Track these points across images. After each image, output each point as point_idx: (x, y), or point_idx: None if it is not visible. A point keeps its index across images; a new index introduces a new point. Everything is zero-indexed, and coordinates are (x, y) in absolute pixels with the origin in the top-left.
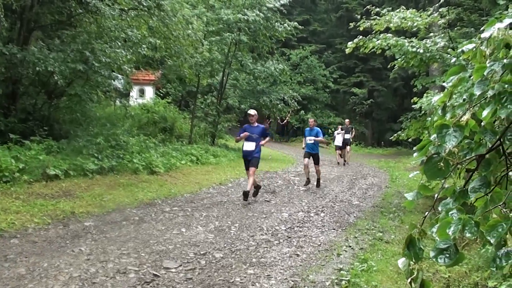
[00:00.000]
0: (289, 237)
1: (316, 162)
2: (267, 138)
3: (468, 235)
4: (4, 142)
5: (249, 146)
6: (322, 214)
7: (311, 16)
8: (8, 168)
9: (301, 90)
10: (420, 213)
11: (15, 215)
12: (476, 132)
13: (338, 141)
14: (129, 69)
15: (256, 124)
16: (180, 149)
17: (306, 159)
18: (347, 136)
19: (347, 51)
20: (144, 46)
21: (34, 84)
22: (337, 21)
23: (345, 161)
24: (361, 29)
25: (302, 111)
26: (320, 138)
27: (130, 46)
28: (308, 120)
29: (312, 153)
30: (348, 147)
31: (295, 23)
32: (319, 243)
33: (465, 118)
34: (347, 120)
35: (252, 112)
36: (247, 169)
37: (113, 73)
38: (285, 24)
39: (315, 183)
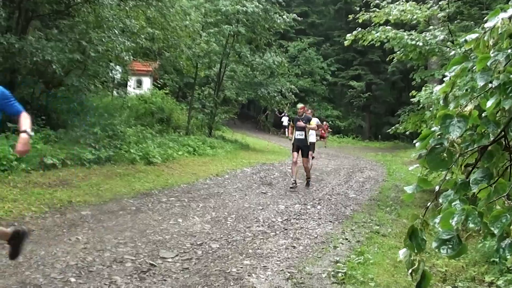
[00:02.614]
0: (286, 229)
1: None
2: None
3: (471, 225)
4: (2, 131)
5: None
6: (318, 207)
7: (309, 8)
8: (6, 157)
9: (298, 82)
10: (417, 207)
11: (12, 203)
12: (478, 124)
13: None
14: (127, 59)
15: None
16: (177, 140)
17: None
18: (300, 134)
19: (346, 43)
20: (142, 36)
21: (32, 74)
22: (336, 14)
23: (294, 182)
24: (360, 21)
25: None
26: None
27: (128, 36)
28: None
29: None
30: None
31: (294, 15)
32: (316, 235)
33: (468, 108)
34: (300, 105)
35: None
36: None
37: (111, 63)
38: (284, 16)
39: None
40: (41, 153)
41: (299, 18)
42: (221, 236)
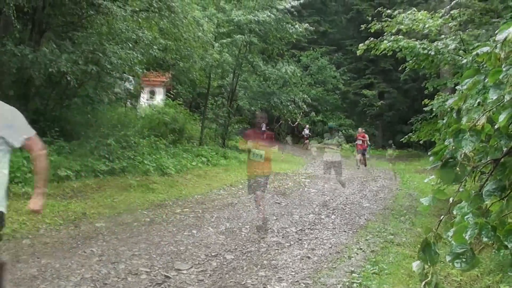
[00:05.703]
0: (300, 240)
1: None
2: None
3: (485, 239)
4: None
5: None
6: (333, 216)
7: (321, 18)
8: (20, 169)
9: (311, 92)
10: (431, 216)
11: (27, 216)
12: (491, 136)
13: None
14: (140, 71)
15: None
16: (190, 150)
17: None
18: None
19: (359, 52)
20: (155, 47)
21: (46, 85)
22: (348, 23)
23: None
24: (372, 30)
25: (313, 113)
26: None
27: (141, 48)
28: None
29: None
30: None
31: (306, 24)
32: (330, 246)
33: (481, 122)
34: None
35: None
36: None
37: (124, 74)
38: (296, 26)
39: None
40: (55, 165)
41: (311, 27)
42: (236, 247)
